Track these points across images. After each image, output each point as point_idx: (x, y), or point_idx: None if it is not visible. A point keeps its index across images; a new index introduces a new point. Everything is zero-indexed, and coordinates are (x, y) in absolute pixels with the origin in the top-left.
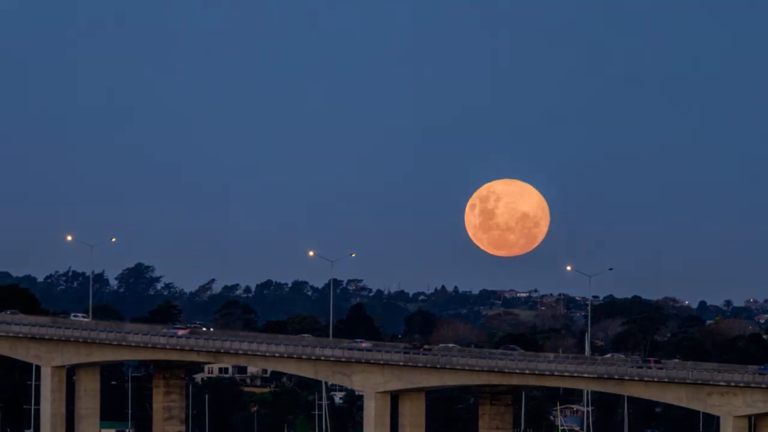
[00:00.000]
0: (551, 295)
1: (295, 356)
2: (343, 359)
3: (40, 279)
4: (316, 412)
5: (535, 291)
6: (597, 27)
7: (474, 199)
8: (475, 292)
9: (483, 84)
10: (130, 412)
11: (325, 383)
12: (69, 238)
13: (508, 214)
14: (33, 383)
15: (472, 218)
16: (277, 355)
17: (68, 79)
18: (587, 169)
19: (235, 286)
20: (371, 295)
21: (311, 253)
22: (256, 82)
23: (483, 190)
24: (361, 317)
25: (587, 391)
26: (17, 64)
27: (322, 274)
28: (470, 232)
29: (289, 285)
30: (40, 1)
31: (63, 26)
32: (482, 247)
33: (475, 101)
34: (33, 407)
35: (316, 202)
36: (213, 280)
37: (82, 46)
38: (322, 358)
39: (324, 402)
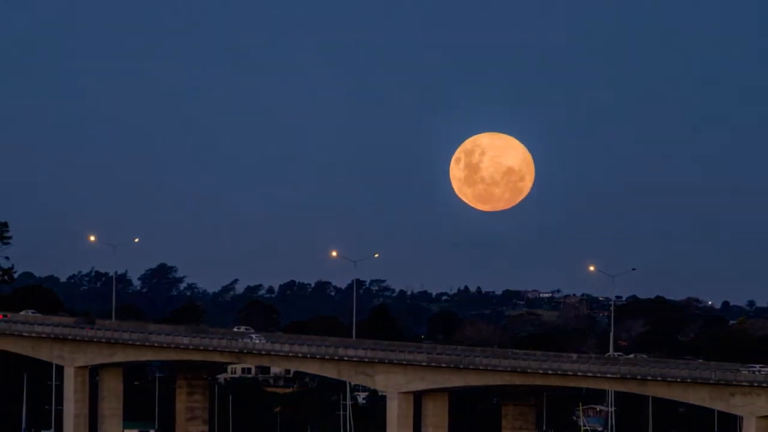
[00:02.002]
0: (574, 295)
1: (318, 356)
2: (366, 359)
3: (63, 279)
4: (340, 413)
5: (558, 291)
6: None
7: (459, 152)
8: (498, 292)
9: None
10: (156, 411)
11: (349, 383)
12: (92, 238)
13: (493, 167)
14: (54, 383)
15: (457, 172)
16: (300, 355)
17: (75, 83)
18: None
19: (258, 287)
20: (394, 295)
21: (334, 254)
22: (262, 77)
23: (468, 143)
24: (384, 318)
25: (610, 392)
26: (30, 60)
27: (346, 274)
28: (455, 186)
29: (312, 285)
30: None
31: (66, 32)
32: (467, 201)
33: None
34: (54, 407)
35: (337, 202)
36: (236, 281)
37: (87, 52)
38: (345, 358)
39: (348, 402)
